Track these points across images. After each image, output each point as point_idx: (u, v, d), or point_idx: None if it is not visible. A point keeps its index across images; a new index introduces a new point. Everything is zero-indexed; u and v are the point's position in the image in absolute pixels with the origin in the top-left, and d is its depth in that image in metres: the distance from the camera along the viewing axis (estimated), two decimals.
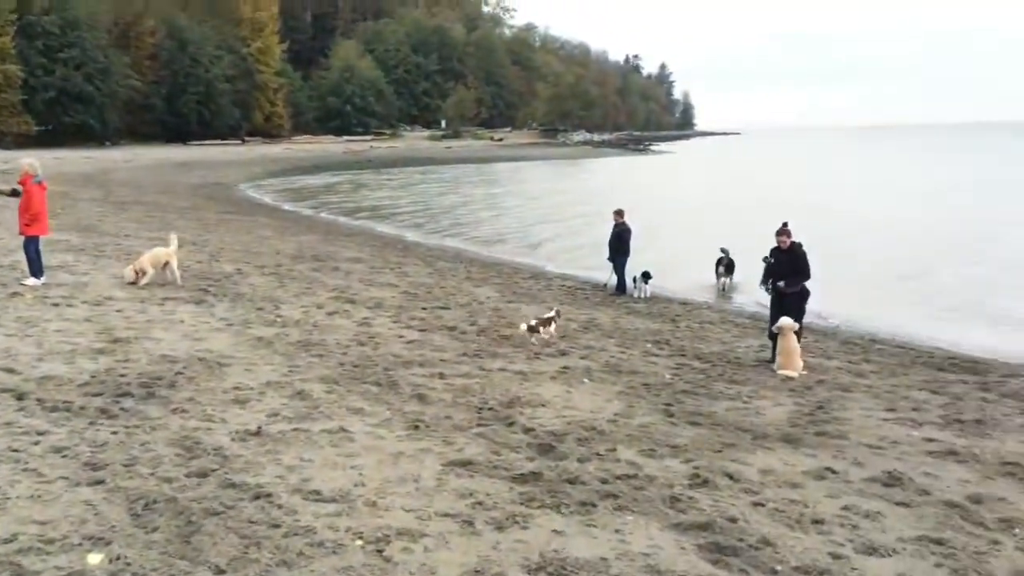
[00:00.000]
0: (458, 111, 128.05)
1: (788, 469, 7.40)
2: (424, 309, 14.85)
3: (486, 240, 31.67)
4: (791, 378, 11.65)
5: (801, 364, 12.07)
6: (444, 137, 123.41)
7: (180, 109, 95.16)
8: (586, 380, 10.31)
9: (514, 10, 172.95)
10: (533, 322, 12.56)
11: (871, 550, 5.71)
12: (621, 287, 19.70)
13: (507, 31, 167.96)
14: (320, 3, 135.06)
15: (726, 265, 20.86)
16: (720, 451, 7.76)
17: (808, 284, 12.77)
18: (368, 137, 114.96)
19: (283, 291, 15.37)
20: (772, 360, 12.51)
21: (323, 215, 40.05)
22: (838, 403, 10.32)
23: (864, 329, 16.51)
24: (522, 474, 6.48)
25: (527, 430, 7.79)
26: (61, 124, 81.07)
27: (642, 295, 19.10)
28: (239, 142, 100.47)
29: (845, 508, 6.49)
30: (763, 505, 6.38)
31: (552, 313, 13.08)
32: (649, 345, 13.34)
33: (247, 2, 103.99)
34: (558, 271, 23.84)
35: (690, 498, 6.36)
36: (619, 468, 6.91)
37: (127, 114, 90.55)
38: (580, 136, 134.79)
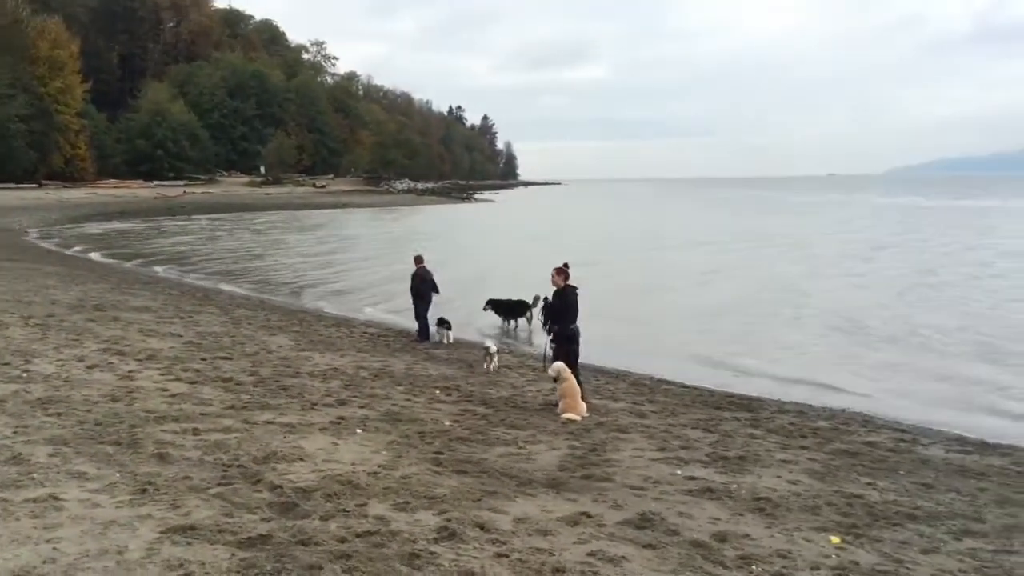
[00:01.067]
0: (278, 157, 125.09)
1: (544, 516, 7.20)
2: (203, 360, 13.97)
3: (292, 287, 30.86)
4: (573, 421, 11.61)
5: (583, 406, 12.08)
6: (263, 183, 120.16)
7: None
8: (359, 431, 9.84)
9: (335, 58, 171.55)
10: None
11: None
12: (424, 333, 19.43)
13: (329, 79, 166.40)
14: (126, 44, 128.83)
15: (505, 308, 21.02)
16: (479, 500, 7.47)
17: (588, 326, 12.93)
18: (182, 182, 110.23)
19: (42, 343, 14.08)
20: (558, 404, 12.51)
21: (121, 263, 37.85)
22: (612, 445, 10.32)
23: (651, 370, 16.88)
24: (250, 538, 5.93)
25: (274, 487, 7.24)
26: None
27: (445, 341, 18.86)
28: (35, 186, 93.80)
29: (591, 554, 6.32)
30: (507, 556, 6.10)
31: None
32: (437, 392, 13.03)
33: (43, 39, 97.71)
34: (364, 318, 23.35)
35: (431, 553, 6.01)
36: (363, 525, 6.47)
37: None
38: (403, 184, 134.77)
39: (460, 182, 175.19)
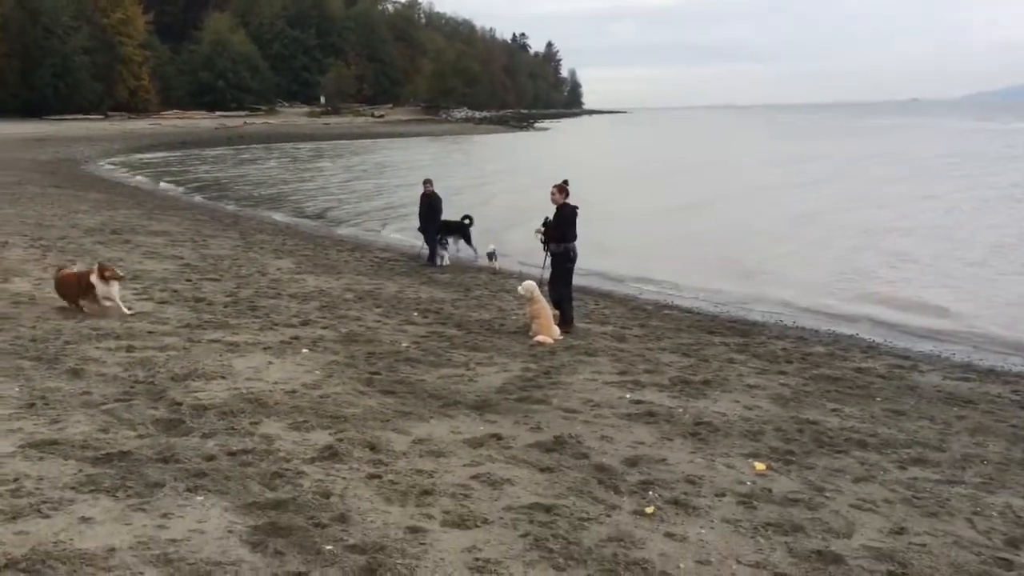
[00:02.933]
0: (337, 88, 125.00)
1: (450, 437, 6.85)
2: (188, 281, 13.90)
3: (323, 212, 30.85)
4: (543, 344, 11.20)
5: (556, 329, 11.65)
6: (322, 114, 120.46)
7: (35, 83, 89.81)
8: (305, 350, 9.59)
9: None
10: None
11: (460, 521, 5.18)
12: (431, 257, 19.16)
13: (390, 7, 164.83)
14: None
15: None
16: (388, 420, 7.16)
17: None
18: (242, 113, 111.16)
19: (35, 264, 14.22)
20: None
21: (164, 190, 38.28)
22: (571, 368, 9.89)
23: (664, 294, 16.42)
24: (109, 454, 5.72)
25: (173, 405, 7.03)
26: None
27: (440, 263, 18.89)
28: (102, 117, 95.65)
29: (474, 477, 5.97)
30: (379, 477, 5.79)
31: None
32: (415, 314, 12.73)
33: None
34: (382, 243, 23.18)
35: (298, 473, 5.73)
36: (243, 444, 6.22)
37: None
38: (462, 113, 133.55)
39: (522, 111, 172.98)
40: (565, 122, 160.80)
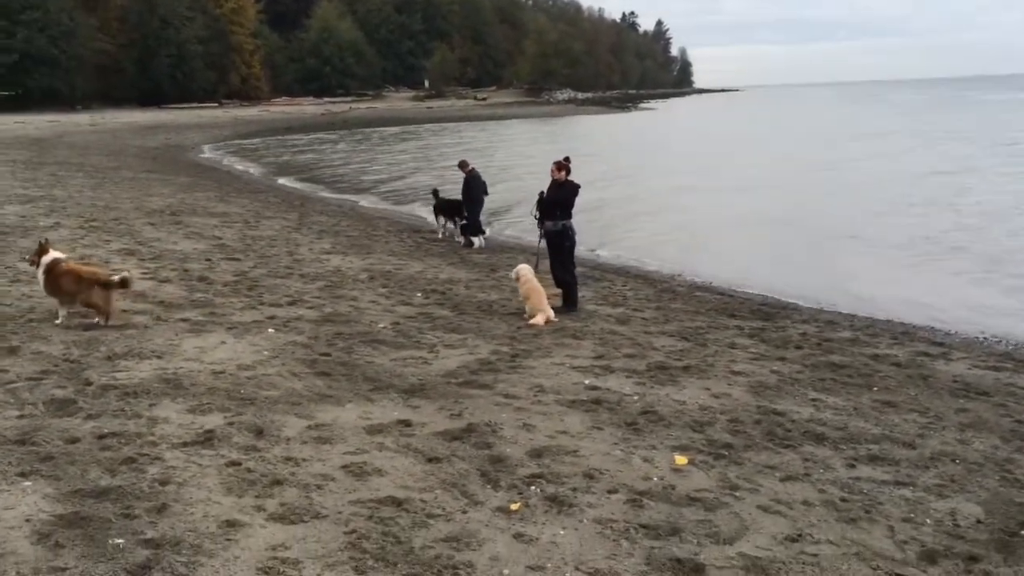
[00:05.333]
0: (441, 71, 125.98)
1: (353, 423, 6.53)
2: (207, 260, 14.00)
3: (397, 194, 30.87)
4: (533, 327, 10.74)
5: (550, 311, 11.16)
6: (426, 97, 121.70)
7: (153, 72, 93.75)
8: (271, 330, 9.43)
9: None
10: None
11: (289, 516, 4.85)
12: (472, 233, 18.84)
13: None
14: None
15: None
16: (298, 404, 6.88)
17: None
18: (349, 98, 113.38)
19: (78, 242, 14.59)
20: (562, 308, 11.69)
21: (254, 174, 39.13)
22: (545, 351, 9.42)
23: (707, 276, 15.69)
24: None
25: (83, 385, 6.94)
26: (26, 88, 79.82)
27: (478, 244, 18.40)
28: (215, 105, 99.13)
29: (345, 467, 5.63)
30: (238, 465, 5.51)
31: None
32: (419, 294, 12.43)
33: None
34: (435, 225, 22.95)
35: (155, 459, 5.51)
36: (123, 426, 6.05)
37: (99, 78, 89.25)
38: (564, 95, 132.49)
39: (629, 91, 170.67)
40: (673, 102, 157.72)
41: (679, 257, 18.03)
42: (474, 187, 18.64)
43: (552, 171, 11.76)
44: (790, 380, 8.80)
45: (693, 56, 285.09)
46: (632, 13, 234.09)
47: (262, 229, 19.12)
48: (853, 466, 6.36)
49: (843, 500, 5.67)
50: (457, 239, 18.90)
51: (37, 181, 27.21)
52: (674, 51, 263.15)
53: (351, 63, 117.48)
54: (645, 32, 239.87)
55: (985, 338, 11.81)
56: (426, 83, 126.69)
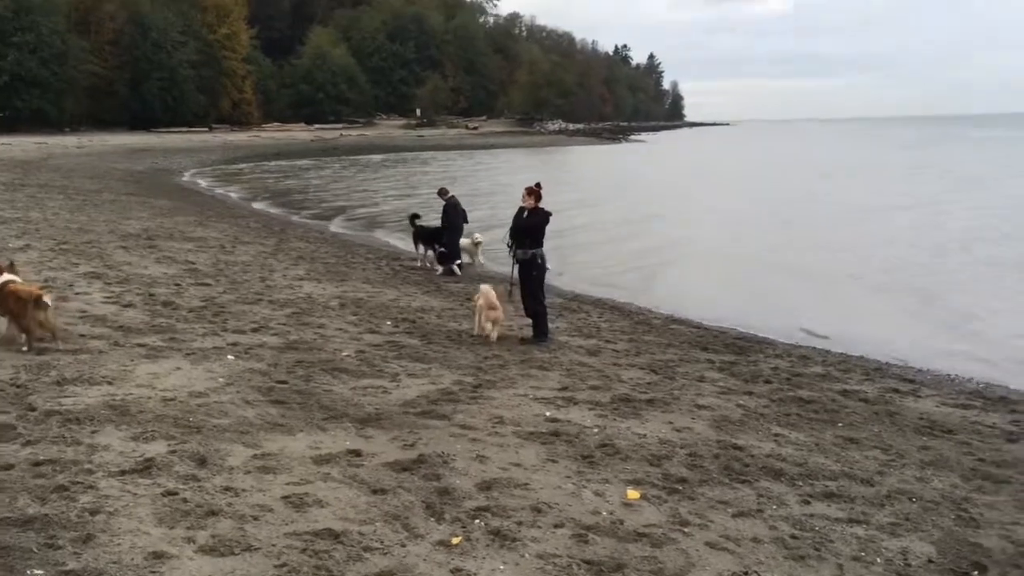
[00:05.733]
0: (433, 100, 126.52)
1: (301, 452, 6.40)
2: (176, 285, 13.83)
3: (380, 220, 30.76)
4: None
5: (488, 329, 11.55)
6: (417, 126, 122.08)
7: (144, 95, 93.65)
8: (231, 357, 9.29)
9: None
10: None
11: (219, 548, 4.71)
12: (449, 261, 18.74)
13: (491, 20, 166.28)
14: None
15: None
16: (247, 433, 6.74)
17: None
18: (339, 125, 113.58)
19: (45, 264, 14.45)
20: (531, 338, 11.61)
21: (231, 197, 39.04)
22: (507, 382, 9.32)
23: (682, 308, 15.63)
24: None
25: (26, 409, 6.78)
26: (15, 109, 79.63)
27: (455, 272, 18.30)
28: (206, 129, 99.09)
29: (285, 497, 5.50)
30: (175, 495, 5.37)
31: None
32: (388, 323, 12.30)
33: None
34: (415, 253, 22.84)
35: (88, 487, 5.36)
36: (61, 453, 5.90)
37: (90, 100, 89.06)
38: (555, 125, 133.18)
39: (621, 123, 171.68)
40: (663, 135, 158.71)
41: (640, 287, 18.08)
42: (452, 215, 18.58)
43: (523, 197, 11.68)
44: (755, 415, 8.71)
45: (685, 90, 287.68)
46: (625, 46, 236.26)
47: (237, 254, 18.98)
48: (808, 503, 6.26)
49: (793, 537, 5.56)
50: (434, 267, 18.81)
51: (14, 203, 27.01)
52: (666, 84, 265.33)
53: (344, 90, 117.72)
54: (637, 65, 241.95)
55: (956, 376, 11.75)
56: (417, 112, 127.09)
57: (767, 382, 10.40)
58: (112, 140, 78.60)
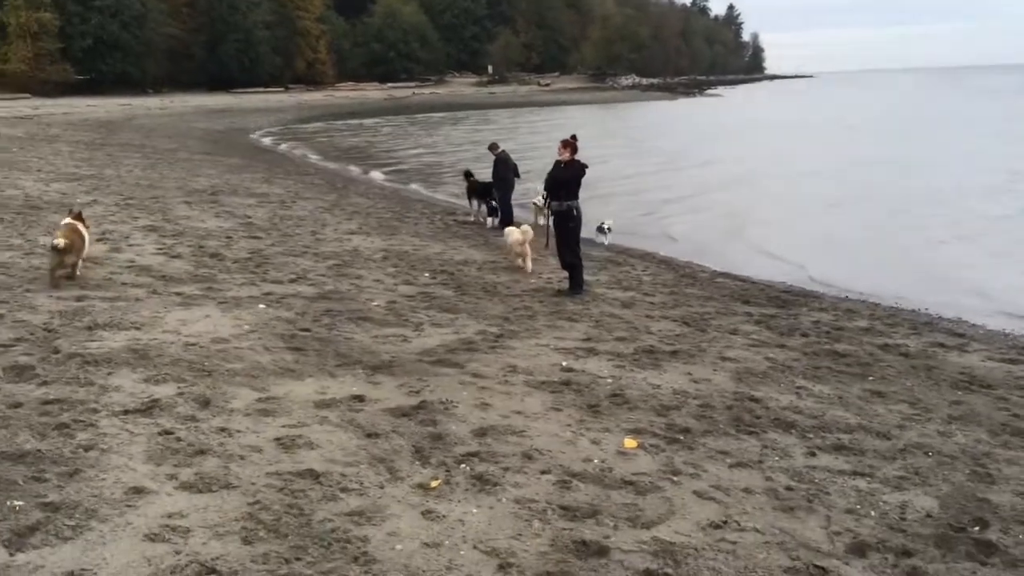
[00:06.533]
0: (505, 56, 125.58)
1: (305, 398, 6.49)
2: (227, 238, 14.13)
3: (443, 177, 30.81)
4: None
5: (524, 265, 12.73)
6: (488, 83, 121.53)
7: (221, 57, 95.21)
8: (261, 306, 9.46)
9: None
10: None
11: (199, 485, 4.83)
12: (507, 219, 18.68)
13: None
14: None
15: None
16: (257, 377, 6.86)
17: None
18: (412, 84, 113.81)
19: (108, 218, 14.86)
20: (567, 291, 11.58)
21: (305, 157, 39.47)
22: (531, 332, 9.30)
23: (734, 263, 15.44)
24: None
25: (51, 352, 7.01)
26: (100, 72, 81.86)
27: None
28: (282, 89, 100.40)
29: (277, 439, 5.60)
30: (170, 434, 5.51)
31: None
32: (426, 275, 12.36)
33: None
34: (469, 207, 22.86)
35: (89, 425, 5.54)
36: (73, 393, 6.11)
37: (169, 62, 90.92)
38: (628, 80, 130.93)
39: (698, 77, 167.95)
40: (742, 88, 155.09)
41: (712, 243, 17.74)
42: (503, 169, 18.48)
43: (558, 150, 11.54)
44: (781, 367, 8.52)
45: (766, 41, 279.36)
46: None
47: (295, 209, 19.25)
48: (814, 455, 6.11)
49: (788, 489, 5.44)
50: (485, 221, 18.81)
51: (92, 161, 27.88)
52: (746, 36, 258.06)
53: (415, 48, 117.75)
54: (716, 17, 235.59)
55: (1011, 331, 11.28)
56: (489, 68, 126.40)
57: (804, 335, 10.15)
58: (192, 101, 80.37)
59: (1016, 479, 5.88)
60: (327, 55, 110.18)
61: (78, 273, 9.81)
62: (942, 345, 10.09)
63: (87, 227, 10.31)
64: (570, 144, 11.46)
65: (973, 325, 11.53)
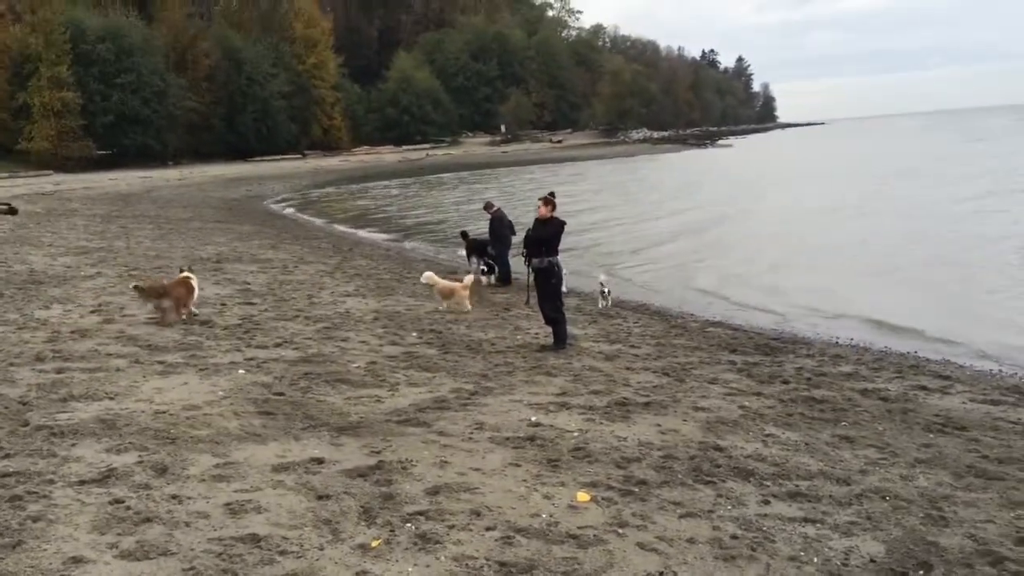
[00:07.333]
0: (516, 116, 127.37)
1: (265, 462, 6.56)
2: (223, 305, 14.32)
3: (447, 237, 31.14)
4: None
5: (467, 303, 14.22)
6: (501, 142, 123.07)
7: (239, 127, 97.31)
8: (241, 371, 9.59)
9: (579, 12, 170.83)
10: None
11: (137, 553, 4.90)
12: (506, 277, 18.89)
13: (573, 33, 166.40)
14: (383, 18, 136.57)
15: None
16: (220, 444, 6.95)
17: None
18: (426, 146, 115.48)
19: (105, 288, 15.14)
20: (551, 346, 11.64)
21: (316, 222, 39.99)
22: (507, 388, 9.35)
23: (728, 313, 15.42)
24: None
25: (20, 425, 7.15)
26: (121, 146, 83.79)
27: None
28: (299, 156, 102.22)
29: (227, 504, 5.67)
30: (121, 503, 5.59)
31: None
32: (414, 334, 12.47)
33: (298, 20, 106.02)
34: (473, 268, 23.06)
35: (43, 496, 5.64)
36: (34, 465, 6.21)
37: (189, 134, 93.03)
38: (639, 134, 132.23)
39: (710, 128, 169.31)
40: (753, 137, 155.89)
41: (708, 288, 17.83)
42: (499, 227, 18.75)
43: (540, 207, 11.72)
44: (754, 415, 8.52)
45: (777, 91, 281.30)
46: (712, 51, 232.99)
47: (296, 274, 19.50)
48: (768, 503, 6.10)
49: (733, 537, 5.43)
50: (482, 278, 18.99)
51: (104, 234, 28.44)
52: (756, 87, 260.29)
53: (428, 111, 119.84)
54: (726, 69, 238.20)
55: (1000, 371, 11.22)
56: (502, 128, 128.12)
57: (784, 382, 10.14)
58: (211, 171, 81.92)
59: (970, 521, 5.84)
60: (342, 121, 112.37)
61: (182, 317, 12.38)
62: (924, 388, 10.04)
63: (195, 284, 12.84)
64: (550, 201, 11.64)
65: (960, 367, 11.50)
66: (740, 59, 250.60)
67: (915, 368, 11.29)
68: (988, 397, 9.69)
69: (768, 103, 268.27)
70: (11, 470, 6.08)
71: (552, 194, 11.89)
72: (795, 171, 59.00)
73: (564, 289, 14.01)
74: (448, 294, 14.59)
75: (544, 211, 11.67)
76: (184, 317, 12.42)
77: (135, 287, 12.58)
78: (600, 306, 15.70)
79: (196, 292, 12.80)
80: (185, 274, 12.94)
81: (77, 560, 4.77)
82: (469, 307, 14.55)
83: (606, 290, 15.91)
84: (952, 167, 49.49)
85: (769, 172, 58.75)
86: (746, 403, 9.00)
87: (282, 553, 4.97)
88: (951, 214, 28.37)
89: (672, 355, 11.64)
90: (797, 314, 15.41)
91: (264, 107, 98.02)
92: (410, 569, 4.84)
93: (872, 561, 5.16)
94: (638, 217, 32.95)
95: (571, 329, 12.47)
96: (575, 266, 18.80)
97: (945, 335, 13.40)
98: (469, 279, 15.19)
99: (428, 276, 14.89)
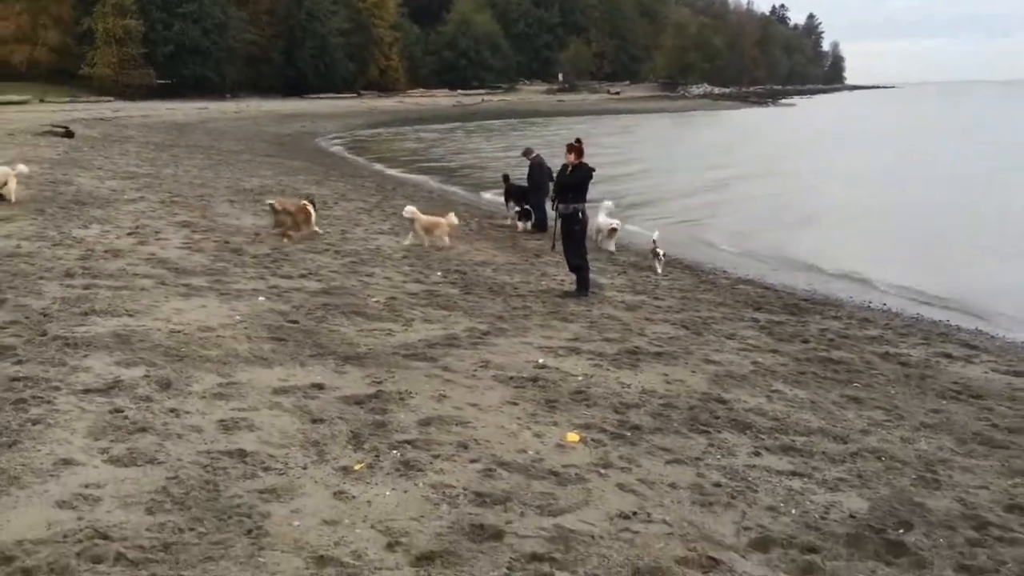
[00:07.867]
0: (575, 65, 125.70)
1: (267, 383, 6.69)
2: (256, 235, 14.50)
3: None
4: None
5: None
6: (559, 91, 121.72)
7: (297, 63, 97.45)
8: (261, 298, 9.74)
9: None
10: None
11: (125, 459, 5.05)
12: (540, 224, 18.81)
13: None
14: None
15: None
16: (227, 364, 7.10)
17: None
18: (482, 91, 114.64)
19: (144, 214, 15.41)
20: (573, 292, 11.62)
21: (364, 161, 40.11)
22: (520, 330, 9.39)
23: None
24: None
25: (38, 335, 7.34)
26: (181, 77, 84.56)
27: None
28: (354, 95, 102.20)
29: (221, 420, 5.80)
30: (120, 412, 5.75)
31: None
32: (439, 274, 12.53)
33: None
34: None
35: (47, 402, 5.82)
36: (45, 373, 6.41)
37: (248, 67, 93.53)
38: (700, 89, 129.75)
39: (774, 87, 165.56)
40: (819, 98, 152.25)
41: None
42: (537, 174, 18.61)
43: (566, 154, 11.62)
44: (764, 372, 8.46)
45: (847, 51, 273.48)
46: (782, 6, 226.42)
47: (335, 209, 19.60)
48: (759, 455, 6.09)
49: (715, 485, 5.44)
50: (518, 223, 18.96)
51: (154, 161, 28.82)
52: (825, 46, 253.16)
53: (487, 56, 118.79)
54: (795, 25, 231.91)
55: None
56: (560, 77, 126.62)
57: (804, 342, 10.03)
58: (267, 106, 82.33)
59: (963, 486, 5.77)
60: (399, 62, 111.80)
61: (296, 237, 14.04)
62: (948, 356, 9.87)
63: (316, 209, 15.11)
64: (575, 148, 11.53)
65: (992, 337, 11.27)
66: (811, 16, 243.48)
67: (943, 336, 11.08)
68: (1013, 368, 9.50)
69: (837, 63, 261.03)
70: (21, 375, 6.28)
71: (579, 140, 11.77)
72: (862, 132, 57.56)
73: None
74: (431, 228, 14.65)
75: (570, 157, 11.57)
76: (296, 237, 14.03)
77: (270, 204, 14.90)
78: (659, 272, 14.13)
79: (314, 217, 14.71)
80: (304, 202, 15.01)
81: (67, 462, 4.93)
82: (447, 242, 14.67)
83: (660, 252, 14.38)
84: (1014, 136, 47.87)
85: (834, 132, 57.39)
86: (760, 359, 8.93)
87: (265, 469, 5.09)
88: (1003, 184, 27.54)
89: (695, 309, 11.56)
90: (832, 278, 15.16)
91: (322, 44, 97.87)
92: (387, 493, 4.93)
93: (852, 516, 5.13)
94: (672, 170, 32.40)
95: (598, 278, 12.43)
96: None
97: (982, 307, 13.11)
98: (452, 217, 15.16)
99: (410, 210, 14.70)
